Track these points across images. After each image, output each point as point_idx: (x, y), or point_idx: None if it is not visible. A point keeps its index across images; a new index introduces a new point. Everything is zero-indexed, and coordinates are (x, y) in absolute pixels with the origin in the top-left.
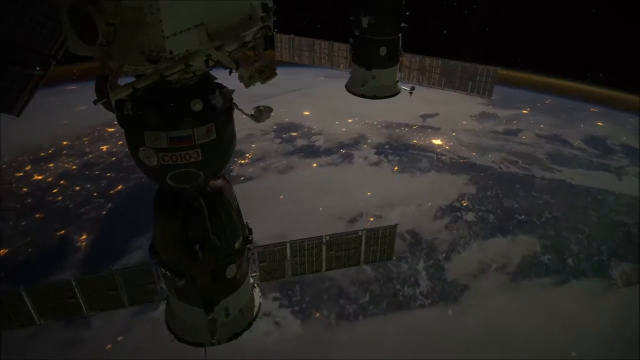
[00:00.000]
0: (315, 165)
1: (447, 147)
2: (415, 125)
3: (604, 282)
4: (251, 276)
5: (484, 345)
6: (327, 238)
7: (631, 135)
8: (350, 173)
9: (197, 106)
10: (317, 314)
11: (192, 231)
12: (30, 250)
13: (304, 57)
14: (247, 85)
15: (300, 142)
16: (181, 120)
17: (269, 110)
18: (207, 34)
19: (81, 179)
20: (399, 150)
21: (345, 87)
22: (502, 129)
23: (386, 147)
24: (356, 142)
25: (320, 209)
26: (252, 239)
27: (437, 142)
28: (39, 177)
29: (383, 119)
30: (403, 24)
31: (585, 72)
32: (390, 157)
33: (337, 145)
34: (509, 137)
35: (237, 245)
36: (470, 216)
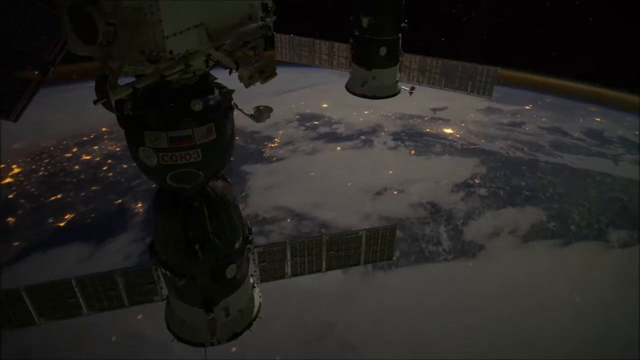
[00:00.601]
0: (339, 148)
1: (457, 135)
2: (426, 117)
3: (603, 244)
4: (251, 276)
5: (500, 291)
6: (327, 238)
7: (627, 129)
8: (371, 155)
9: (197, 106)
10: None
11: (192, 231)
12: (93, 215)
13: (304, 57)
14: (247, 85)
15: (323, 129)
16: (181, 120)
17: (268, 110)
18: (207, 34)
19: (126, 158)
20: (414, 137)
21: (345, 87)
22: (507, 121)
23: (402, 134)
24: (374, 130)
25: (349, 184)
26: (252, 239)
27: (448, 131)
28: (87, 157)
29: (396, 111)
30: (403, 24)
31: (585, 72)
32: (406, 143)
33: (357, 132)
34: (514, 128)
35: (237, 245)
36: (482, 191)
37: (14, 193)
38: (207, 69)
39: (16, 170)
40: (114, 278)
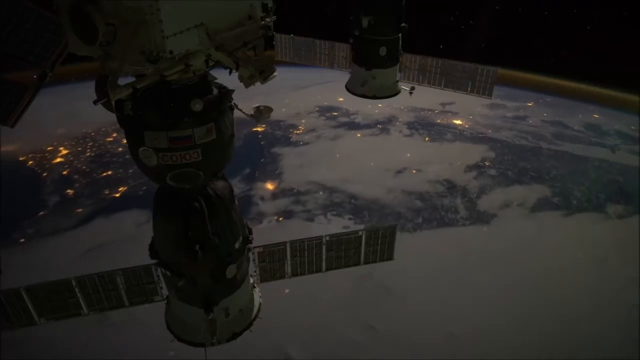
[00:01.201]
0: (359, 135)
1: (466, 126)
2: (436, 110)
3: (602, 215)
4: (251, 276)
5: (511, 249)
6: (327, 238)
7: (624, 125)
8: (389, 141)
9: (197, 106)
10: None
11: (192, 231)
12: (144, 187)
13: (303, 57)
14: (247, 85)
15: (342, 119)
16: (181, 120)
17: (268, 110)
18: (207, 34)
19: None
20: (427, 127)
21: (346, 87)
22: (511, 115)
23: (415, 124)
24: (389, 120)
25: (372, 164)
26: (252, 239)
27: (458, 122)
28: None
29: (408, 104)
30: (403, 24)
31: (585, 72)
32: (420, 131)
33: (374, 122)
34: (518, 121)
35: (237, 245)
36: (492, 172)
37: (67, 170)
38: (207, 69)
39: (64, 152)
40: (114, 278)
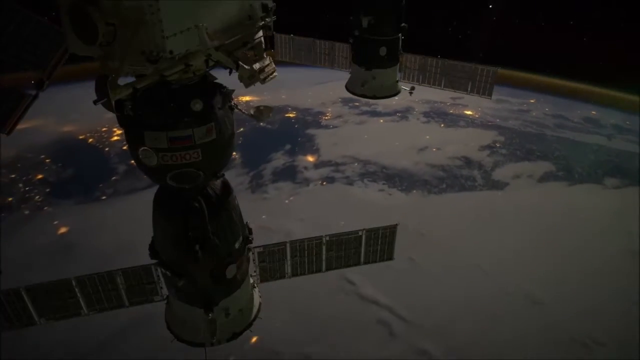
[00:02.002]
0: (381, 121)
1: (477, 115)
2: (447, 102)
3: (600, 186)
4: (251, 276)
5: (523, 211)
6: (327, 238)
7: (620, 120)
8: (409, 126)
9: (197, 106)
10: (414, 191)
11: (192, 231)
12: None
13: (303, 57)
14: (247, 85)
15: (364, 108)
16: (181, 120)
17: (269, 110)
18: (207, 34)
19: None
20: (441, 115)
21: (346, 87)
22: (516, 108)
23: (431, 113)
24: (407, 109)
25: (396, 143)
26: (252, 239)
27: (468, 112)
28: None
29: (421, 97)
30: (403, 24)
31: (584, 72)
32: (436, 119)
33: (393, 111)
34: (522, 113)
35: (237, 245)
36: (503, 151)
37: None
38: (207, 69)
39: (119, 132)
40: (114, 278)
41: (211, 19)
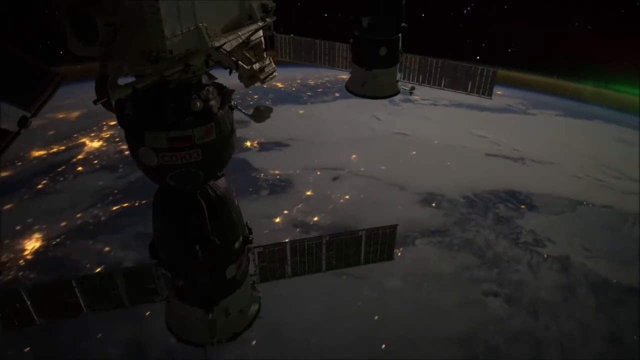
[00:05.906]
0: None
1: (485, 104)
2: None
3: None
4: (251, 276)
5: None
6: (327, 238)
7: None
8: (444, 111)
9: (197, 106)
10: None
11: (192, 231)
12: None
13: (303, 57)
14: (247, 85)
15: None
16: (181, 120)
17: (269, 110)
18: (207, 34)
19: None
20: (461, 105)
21: (345, 87)
22: (519, 102)
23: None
24: (436, 100)
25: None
26: (252, 239)
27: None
28: None
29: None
30: (403, 24)
31: (583, 72)
32: (445, 103)
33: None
34: (525, 104)
35: (237, 245)
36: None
37: None
38: (207, 69)
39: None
40: (114, 278)
41: (211, 19)
